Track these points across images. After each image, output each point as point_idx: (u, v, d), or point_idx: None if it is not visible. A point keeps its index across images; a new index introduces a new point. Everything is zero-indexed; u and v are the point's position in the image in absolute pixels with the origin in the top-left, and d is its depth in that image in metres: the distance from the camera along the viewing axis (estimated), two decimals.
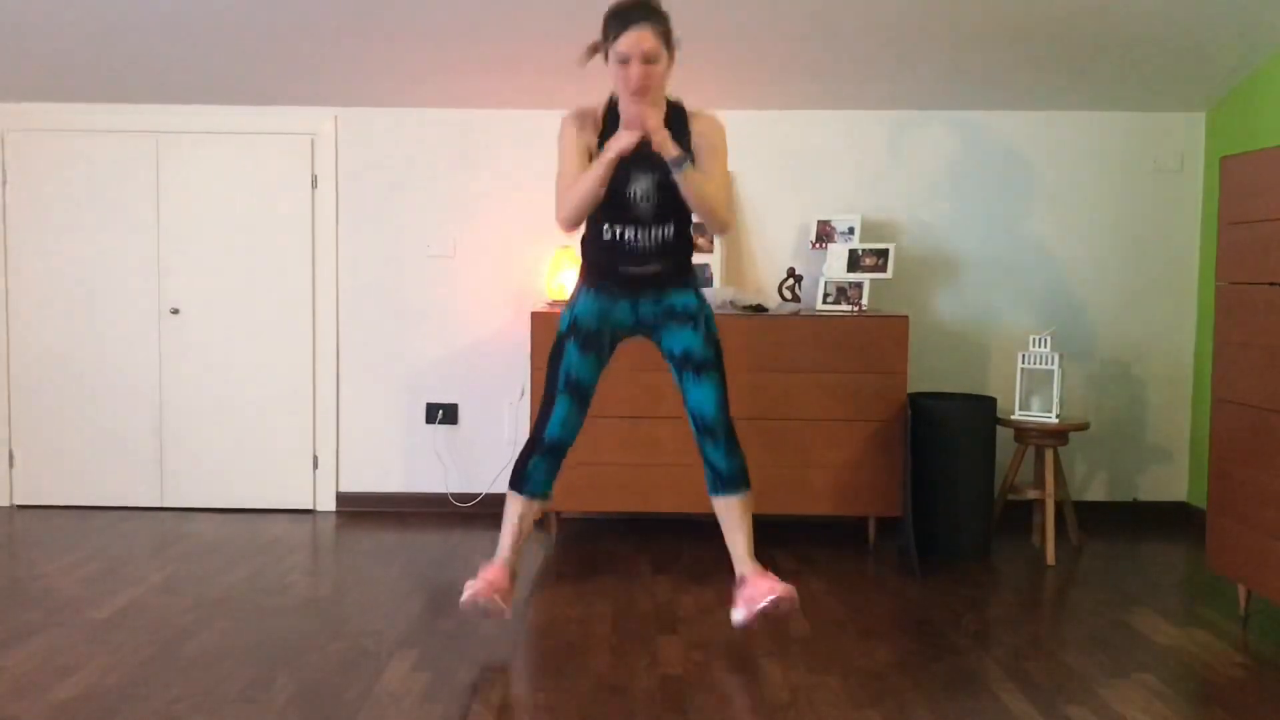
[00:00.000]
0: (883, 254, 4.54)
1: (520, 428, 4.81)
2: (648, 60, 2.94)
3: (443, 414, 4.89)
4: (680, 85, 4.55)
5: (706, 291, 4.49)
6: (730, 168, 4.76)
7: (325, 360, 4.90)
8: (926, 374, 4.80)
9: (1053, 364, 4.28)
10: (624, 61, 2.95)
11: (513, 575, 3.22)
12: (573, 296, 3.26)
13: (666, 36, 2.99)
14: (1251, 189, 3.38)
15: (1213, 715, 2.78)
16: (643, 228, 3.12)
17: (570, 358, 3.17)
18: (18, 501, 4.95)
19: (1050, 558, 4.17)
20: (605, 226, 3.13)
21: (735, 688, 2.93)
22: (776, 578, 3.18)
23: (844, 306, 4.53)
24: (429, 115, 4.84)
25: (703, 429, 3.19)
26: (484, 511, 4.79)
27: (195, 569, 3.98)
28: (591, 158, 3.06)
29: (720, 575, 3.79)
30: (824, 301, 4.60)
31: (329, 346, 4.89)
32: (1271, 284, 3.26)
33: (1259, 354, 3.32)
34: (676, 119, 3.10)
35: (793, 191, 4.81)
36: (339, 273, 4.88)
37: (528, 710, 2.78)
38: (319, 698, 2.81)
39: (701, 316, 3.21)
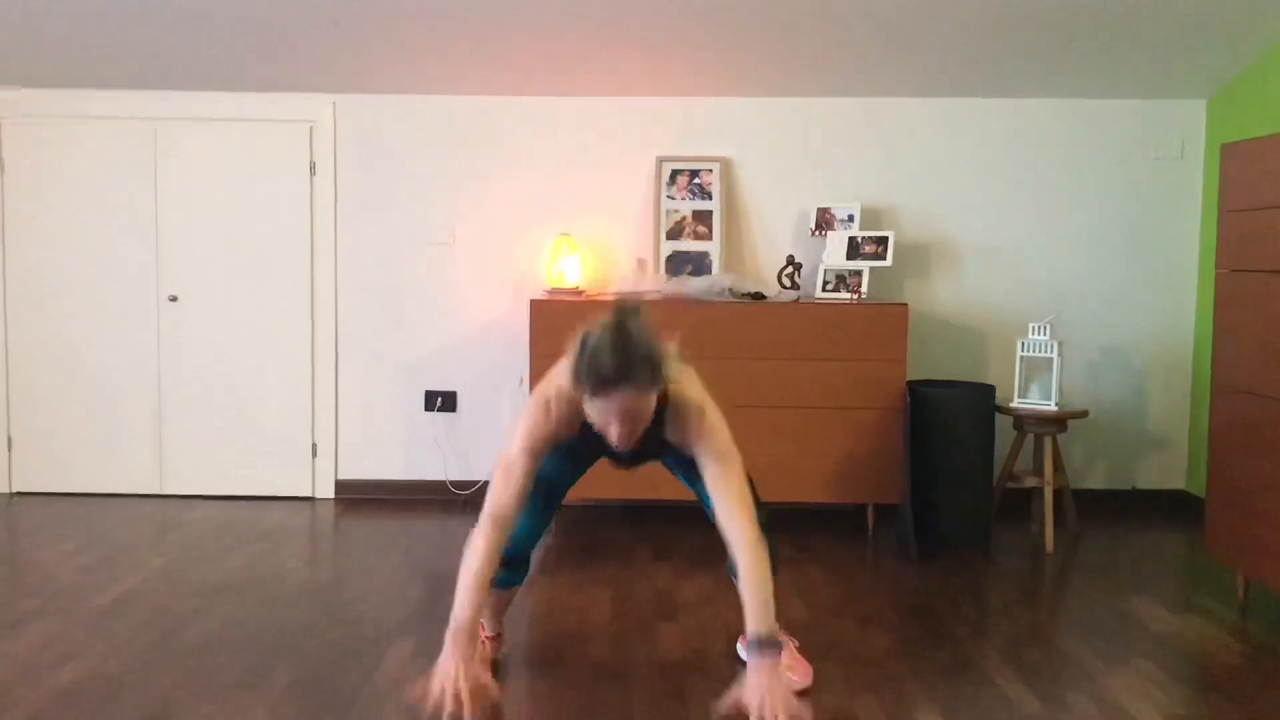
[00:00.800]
0: (882, 241, 4.53)
1: (519, 416, 4.79)
2: (630, 420, 2.45)
3: (442, 401, 4.89)
4: (681, 71, 4.57)
5: (706, 279, 4.49)
6: (731, 157, 4.81)
7: (324, 347, 4.89)
8: (926, 362, 4.80)
9: (1052, 352, 4.27)
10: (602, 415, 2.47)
11: (494, 636, 2.98)
12: None
13: (654, 381, 2.43)
14: (1252, 176, 3.37)
15: (1211, 702, 2.78)
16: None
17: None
18: (16, 488, 4.95)
19: (1049, 545, 4.18)
20: None
21: (734, 675, 2.93)
22: (795, 647, 2.93)
23: (843, 294, 4.53)
24: (428, 102, 4.82)
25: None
26: (483, 499, 4.78)
27: (194, 556, 3.99)
28: (555, 444, 2.79)
29: (720, 563, 3.79)
30: (823, 289, 4.59)
31: (328, 334, 4.89)
32: (1272, 271, 3.26)
33: (1259, 341, 3.32)
34: (658, 424, 2.62)
35: (792, 179, 4.80)
36: (338, 260, 4.87)
37: (527, 697, 2.78)
38: (318, 685, 2.82)
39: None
